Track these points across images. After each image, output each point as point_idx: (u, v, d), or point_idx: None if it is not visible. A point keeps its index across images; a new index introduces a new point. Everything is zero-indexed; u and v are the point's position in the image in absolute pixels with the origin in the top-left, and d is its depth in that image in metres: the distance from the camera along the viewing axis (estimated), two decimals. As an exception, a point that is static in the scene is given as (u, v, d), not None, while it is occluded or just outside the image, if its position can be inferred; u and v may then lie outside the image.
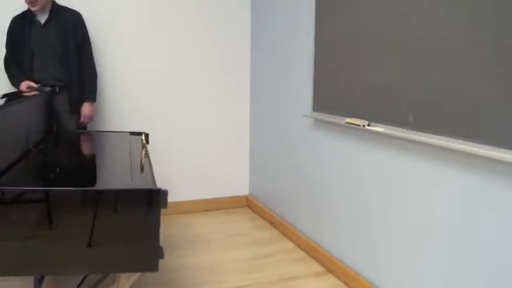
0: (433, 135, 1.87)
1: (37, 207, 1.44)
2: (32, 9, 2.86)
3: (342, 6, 2.45)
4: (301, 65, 3.00)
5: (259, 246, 3.10)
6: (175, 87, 3.63)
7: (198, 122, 3.74)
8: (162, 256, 1.52)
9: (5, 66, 2.98)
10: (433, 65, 1.86)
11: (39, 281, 2.29)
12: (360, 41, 2.31)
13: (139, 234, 1.50)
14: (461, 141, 1.74)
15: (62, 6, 3.01)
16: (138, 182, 1.67)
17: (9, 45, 2.96)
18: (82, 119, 3.06)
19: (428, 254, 1.99)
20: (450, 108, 1.78)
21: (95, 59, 3.15)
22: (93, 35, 3.22)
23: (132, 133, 2.78)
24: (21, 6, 2.91)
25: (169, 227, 3.42)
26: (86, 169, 1.97)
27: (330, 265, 2.71)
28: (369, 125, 2.27)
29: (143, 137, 2.53)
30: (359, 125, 2.31)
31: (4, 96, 2.31)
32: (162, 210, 1.51)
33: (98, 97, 3.18)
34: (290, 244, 3.14)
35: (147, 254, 1.51)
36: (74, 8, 3.06)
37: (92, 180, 1.76)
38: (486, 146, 1.64)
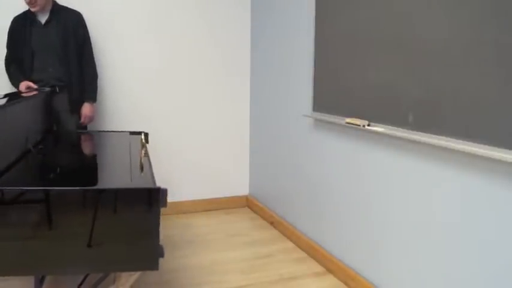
0: (433, 135, 1.87)
1: (37, 207, 1.44)
2: (32, 9, 2.86)
3: (342, 6, 2.46)
4: (301, 65, 3.00)
5: (259, 246, 3.10)
6: (175, 87, 3.63)
7: (198, 122, 3.74)
8: (162, 255, 1.52)
9: (5, 66, 2.98)
10: (433, 65, 1.86)
11: (40, 281, 2.29)
12: (360, 41, 2.31)
13: (139, 233, 1.50)
14: (461, 141, 1.74)
15: (62, 6, 3.01)
16: (138, 181, 1.67)
17: (9, 45, 2.96)
18: (82, 119, 3.06)
19: (428, 254, 1.99)
20: (450, 108, 1.78)
21: (95, 59, 3.15)
22: (94, 35, 3.22)
23: (132, 133, 2.78)
24: (22, 7, 2.91)
25: (169, 227, 3.42)
26: (86, 169, 1.97)
27: (330, 265, 2.71)
28: (369, 125, 2.27)
29: (143, 137, 2.53)
30: (359, 125, 2.31)
31: (5, 96, 2.32)
32: (162, 210, 1.51)
33: (98, 97, 3.18)
34: (290, 244, 3.14)
35: (148, 253, 1.51)
36: (75, 8, 3.06)
37: (92, 179, 1.77)
38: (486, 146, 1.64)
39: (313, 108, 2.79)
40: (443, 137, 1.82)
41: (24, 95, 2.71)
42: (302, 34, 2.97)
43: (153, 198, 1.49)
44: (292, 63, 3.15)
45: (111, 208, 1.48)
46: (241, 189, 3.98)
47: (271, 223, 3.50)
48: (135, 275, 1.65)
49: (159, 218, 1.50)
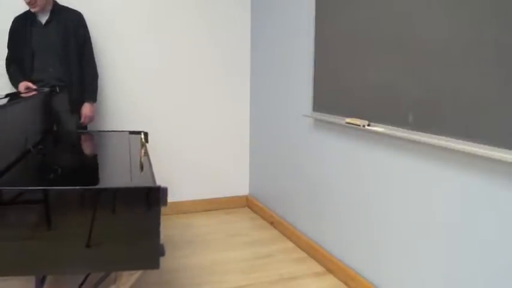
0: (433, 135, 1.87)
1: (37, 207, 1.44)
2: (32, 10, 2.86)
3: (342, 6, 2.46)
4: (301, 65, 3.00)
5: (259, 246, 3.10)
6: (175, 87, 3.63)
7: (198, 122, 3.75)
8: (163, 253, 1.52)
9: (6, 66, 2.98)
10: (433, 65, 1.86)
11: (41, 281, 2.29)
12: (360, 41, 2.31)
13: (140, 232, 1.50)
14: (461, 141, 1.74)
15: (63, 6, 3.02)
16: (138, 180, 1.68)
17: (10, 45, 2.96)
18: (82, 119, 3.06)
19: (428, 254, 1.99)
20: (450, 108, 1.79)
21: (96, 59, 3.15)
22: (94, 35, 3.22)
23: (131, 132, 2.79)
24: (23, 7, 2.91)
25: (169, 227, 3.42)
26: (86, 168, 1.97)
27: (330, 265, 2.71)
28: (369, 125, 2.27)
29: (142, 136, 2.53)
30: (359, 125, 2.31)
31: (7, 96, 2.32)
32: (162, 210, 1.51)
33: (98, 97, 3.18)
34: (290, 244, 3.14)
35: (148, 251, 1.51)
36: (75, 8, 3.06)
37: (92, 179, 1.77)
38: (486, 146, 1.64)
39: (313, 108, 2.79)
40: (443, 137, 1.82)
41: (23, 95, 2.71)
42: (302, 34, 2.97)
43: (153, 197, 1.49)
44: (292, 63, 3.15)
45: (112, 207, 1.48)
46: (241, 189, 3.98)
47: (271, 223, 3.50)
48: (136, 274, 1.66)
49: (159, 217, 1.50)
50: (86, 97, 3.06)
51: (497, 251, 1.66)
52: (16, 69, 2.95)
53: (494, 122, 1.61)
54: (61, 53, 2.94)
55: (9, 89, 2.99)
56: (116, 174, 1.81)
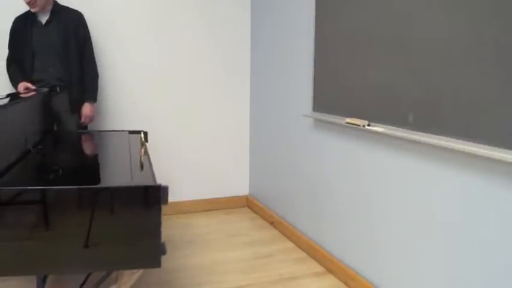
0: (433, 135, 1.87)
1: (37, 207, 1.44)
2: (32, 10, 2.86)
3: (342, 6, 2.46)
4: (301, 65, 3.00)
5: (259, 246, 3.10)
6: (175, 87, 3.63)
7: (198, 122, 3.75)
8: (164, 252, 1.52)
9: (7, 66, 2.98)
10: (433, 65, 1.86)
11: (43, 280, 2.29)
12: (360, 41, 2.32)
13: (140, 231, 1.50)
14: (461, 141, 1.74)
15: (63, 6, 3.02)
16: (139, 179, 1.68)
17: (11, 45, 2.96)
18: (83, 119, 3.06)
19: (428, 254, 1.99)
20: (450, 108, 1.79)
21: (96, 59, 3.15)
22: (94, 35, 3.22)
23: (131, 132, 2.79)
24: (23, 7, 2.91)
25: (169, 227, 3.42)
26: (86, 168, 1.97)
27: (330, 265, 2.71)
28: (369, 125, 2.27)
29: (142, 135, 2.53)
30: (359, 125, 2.32)
31: (7, 96, 2.32)
32: (163, 210, 1.52)
33: (98, 97, 3.18)
34: (290, 244, 3.14)
35: (150, 250, 1.51)
36: (75, 8, 3.06)
37: (92, 179, 1.77)
38: (486, 146, 1.64)
39: (313, 108, 2.80)
40: (443, 137, 1.82)
41: (22, 95, 2.72)
42: (302, 34, 2.97)
43: (154, 195, 1.50)
44: (292, 63, 3.15)
45: (113, 207, 1.48)
46: (241, 189, 3.98)
47: (271, 223, 3.50)
48: (137, 274, 1.66)
49: (160, 216, 1.51)
50: (86, 97, 3.06)
51: (497, 251, 1.67)
52: (16, 69, 2.95)
53: (494, 122, 1.61)
54: (61, 53, 2.94)
55: (9, 89, 2.99)
56: (116, 174, 1.81)
